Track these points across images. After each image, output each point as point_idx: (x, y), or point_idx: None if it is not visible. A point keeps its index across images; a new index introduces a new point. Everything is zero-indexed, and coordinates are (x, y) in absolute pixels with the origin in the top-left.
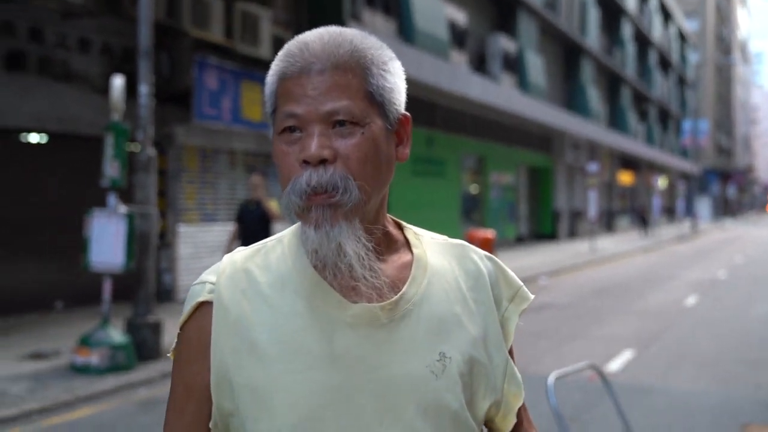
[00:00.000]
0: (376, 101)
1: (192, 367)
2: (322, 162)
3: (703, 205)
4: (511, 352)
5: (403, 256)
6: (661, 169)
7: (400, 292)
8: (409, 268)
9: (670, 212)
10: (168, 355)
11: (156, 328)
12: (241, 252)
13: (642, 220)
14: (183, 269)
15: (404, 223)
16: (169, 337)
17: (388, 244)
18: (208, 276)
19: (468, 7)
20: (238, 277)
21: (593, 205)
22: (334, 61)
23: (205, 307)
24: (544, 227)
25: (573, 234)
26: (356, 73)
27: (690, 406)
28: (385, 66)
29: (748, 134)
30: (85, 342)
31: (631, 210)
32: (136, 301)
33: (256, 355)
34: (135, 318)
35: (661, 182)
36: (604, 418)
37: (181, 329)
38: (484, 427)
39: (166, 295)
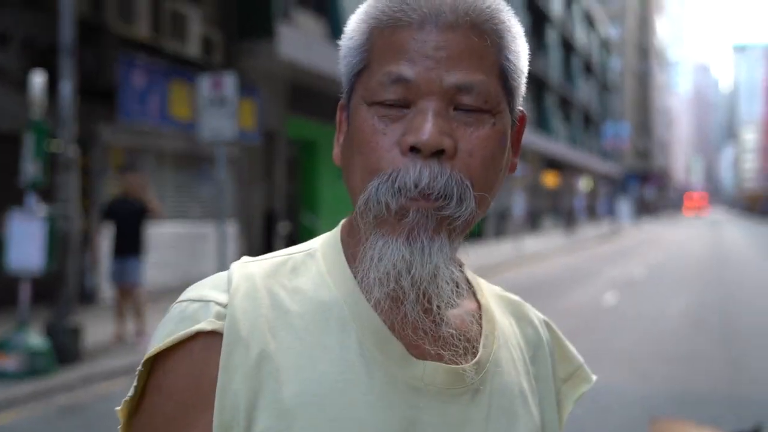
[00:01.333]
0: (509, 85)
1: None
2: (437, 154)
3: (623, 206)
4: None
5: (469, 304)
6: (583, 171)
7: (479, 354)
8: (478, 320)
9: (592, 212)
10: (116, 409)
11: (76, 332)
12: (255, 264)
13: (568, 220)
14: (106, 271)
15: (461, 260)
16: (93, 338)
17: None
18: (212, 293)
19: None
20: (260, 299)
21: (518, 206)
22: (474, 18)
23: (207, 338)
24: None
25: (499, 233)
26: (494, 41)
27: (605, 400)
28: (516, 42)
29: (665, 138)
30: (3, 346)
31: (556, 210)
32: (56, 304)
33: (279, 415)
34: (55, 321)
35: (584, 184)
36: None
37: (153, 370)
38: None
39: (88, 297)
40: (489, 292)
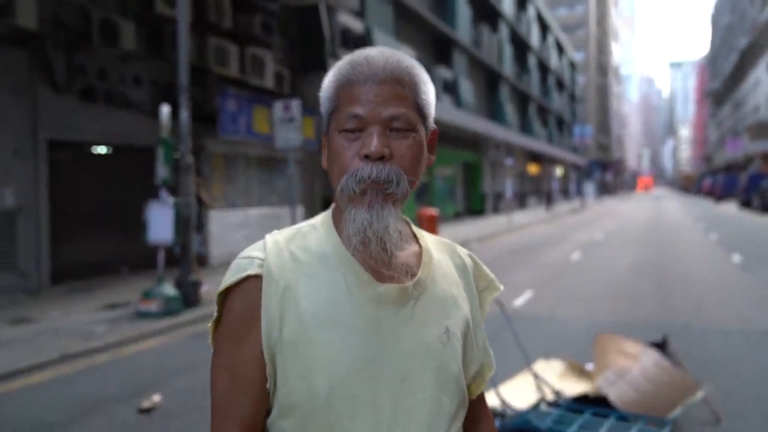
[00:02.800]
0: (422, 113)
1: (247, 338)
2: (381, 158)
3: (589, 187)
4: None
5: (413, 247)
6: (558, 162)
7: (417, 276)
8: (419, 256)
9: (565, 193)
10: (207, 326)
11: (196, 285)
12: (280, 234)
13: (548, 199)
14: (213, 242)
15: (407, 219)
16: (206, 291)
17: (403, 235)
18: (255, 252)
19: (416, 46)
20: (283, 255)
21: (509, 189)
22: (396, 75)
23: (253, 280)
24: (475, 206)
25: (496, 210)
26: (411, 87)
27: (568, 328)
28: (428, 85)
29: (620, 135)
30: (147, 295)
31: (538, 192)
32: (181, 266)
33: (299, 321)
34: (181, 277)
35: (559, 171)
36: (508, 337)
37: (224, 299)
38: None
39: (202, 261)
40: (431, 239)
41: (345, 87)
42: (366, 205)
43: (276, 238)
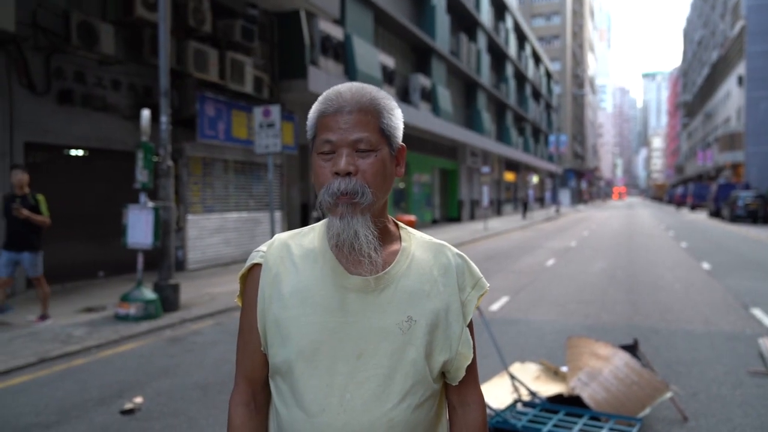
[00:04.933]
0: (386, 134)
1: (251, 311)
2: (348, 174)
3: (564, 195)
4: (470, 326)
5: (394, 246)
6: (534, 170)
7: (386, 270)
8: (397, 254)
9: (541, 201)
10: (235, 300)
11: (175, 288)
12: (287, 233)
13: (524, 206)
14: (191, 247)
15: (401, 224)
16: (185, 294)
17: (386, 236)
18: (263, 247)
19: (395, 54)
20: (281, 249)
21: (486, 196)
22: (360, 105)
23: (256, 267)
24: (452, 212)
25: (472, 217)
26: (373, 114)
27: (542, 330)
28: (392, 111)
29: (595, 144)
30: (125, 298)
31: (515, 199)
32: (160, 270)
33: (281, 301)
34: (160, 281)
35: (535, 179)
36: (486, 341)
37: (243, 281)
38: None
39: (180, 265)
40: (419, 240)
41: (321, 118)
42: (339, 216)
43: (282, 235)
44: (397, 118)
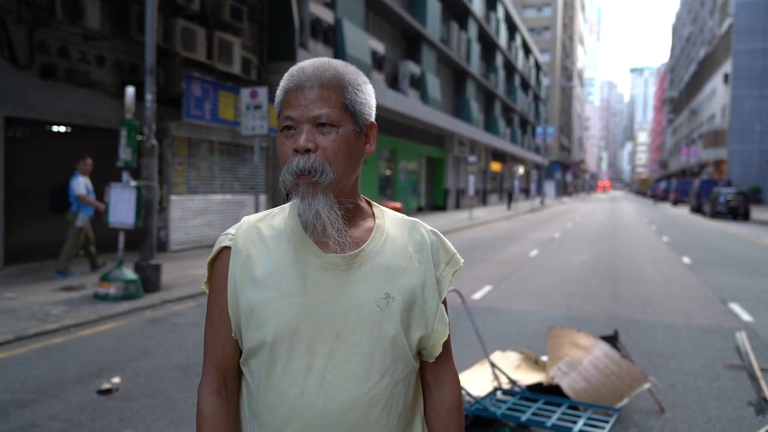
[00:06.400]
0: (349, 110)
1: (221, 296)
2: (307, 151)
3: (550, 187)
4: (444, 302)
5: (368, 224)
6: (521, 161)
7: (360, 248)
8: (371, 232)
9: (526, 191)
10: (202, 287)
11: (157, 269)
12: (255, 215)
13: (509, 197)
14: (174, 228)
15: (374, 202)
16: (167, 275)
17: (358, 214)
18: (231, 230)
19: (385, 40)
20: (250, 231)
21: (472, 186)
22: (321, 81)
23: (225, 251)
24: (437, 200)
25: (458, 206)
26: (336, 90)
27: (524, 320)
28: (358, 87)
29: (582, 137)
30: (105, 278)
31: (500, 190)
32: (141, 250)
33: (255, 284)
34: (141, 261)
35: (521, 170)
36: (468, 329)
37: (211, 266)
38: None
39: (162, 246)
40: (393, 217)
41: (284, 94)
42: (300, 196)
43: (250, 218)
44: (366, 93)
